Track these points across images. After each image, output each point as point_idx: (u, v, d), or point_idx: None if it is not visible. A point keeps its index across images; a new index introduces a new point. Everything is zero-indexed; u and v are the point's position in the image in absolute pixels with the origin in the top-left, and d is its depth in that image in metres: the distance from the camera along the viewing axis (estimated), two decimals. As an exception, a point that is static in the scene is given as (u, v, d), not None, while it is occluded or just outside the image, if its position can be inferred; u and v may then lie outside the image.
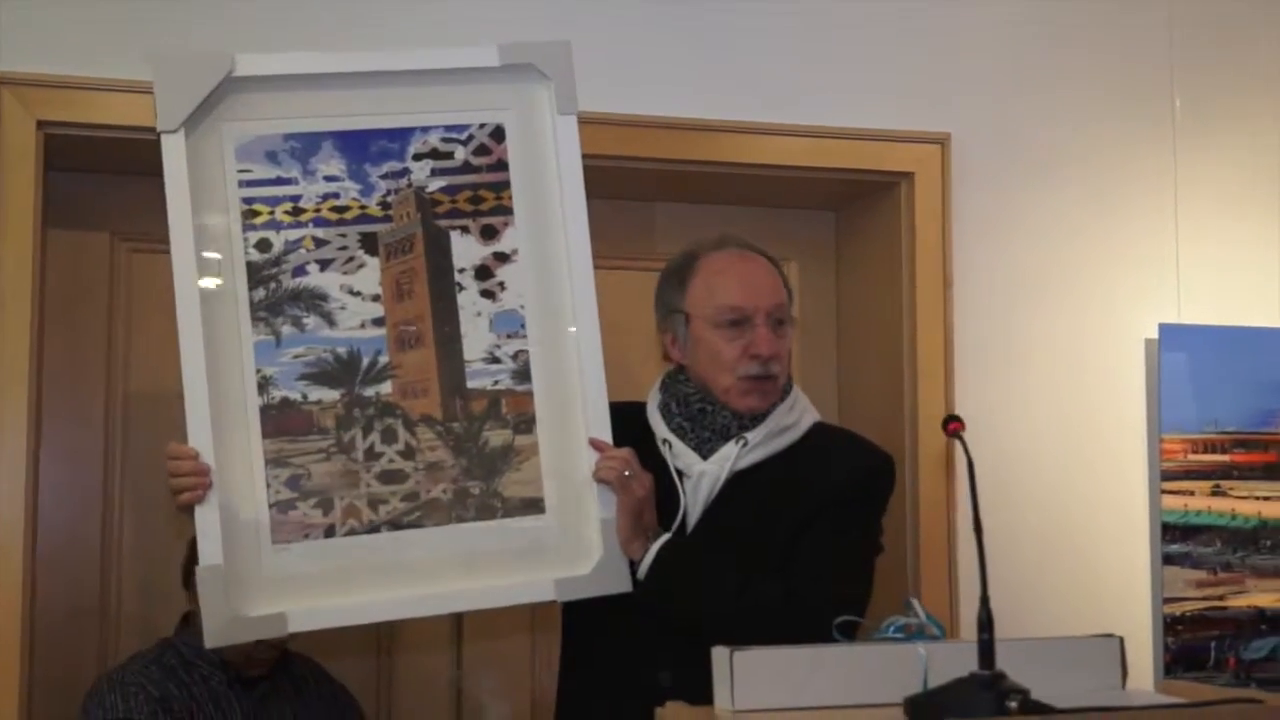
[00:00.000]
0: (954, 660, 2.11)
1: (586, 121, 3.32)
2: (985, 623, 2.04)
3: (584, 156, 3.15)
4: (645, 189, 3.72)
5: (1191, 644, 3.70)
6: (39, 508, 3.18)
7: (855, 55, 3.67)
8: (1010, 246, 3.74)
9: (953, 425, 2.31)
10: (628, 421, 2.76)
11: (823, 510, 2.68)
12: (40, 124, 3.16)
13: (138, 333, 3.50)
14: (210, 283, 2.59)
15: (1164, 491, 3.72)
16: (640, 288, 3.70)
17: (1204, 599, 3.73)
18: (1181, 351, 3.74)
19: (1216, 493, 3.76)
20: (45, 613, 3.24)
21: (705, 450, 2.73)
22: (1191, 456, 3.75)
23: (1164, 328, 3.74)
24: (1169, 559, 3.71)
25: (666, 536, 2.65)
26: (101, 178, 3.44)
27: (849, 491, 2.72)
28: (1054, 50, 3.81)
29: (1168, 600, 3.69)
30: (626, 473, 2.63)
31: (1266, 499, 3.80)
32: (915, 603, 2.36)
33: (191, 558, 3.07)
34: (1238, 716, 2.04)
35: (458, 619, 3.52)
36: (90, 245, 3.46)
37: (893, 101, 3.68)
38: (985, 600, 2.06)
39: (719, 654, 2.14)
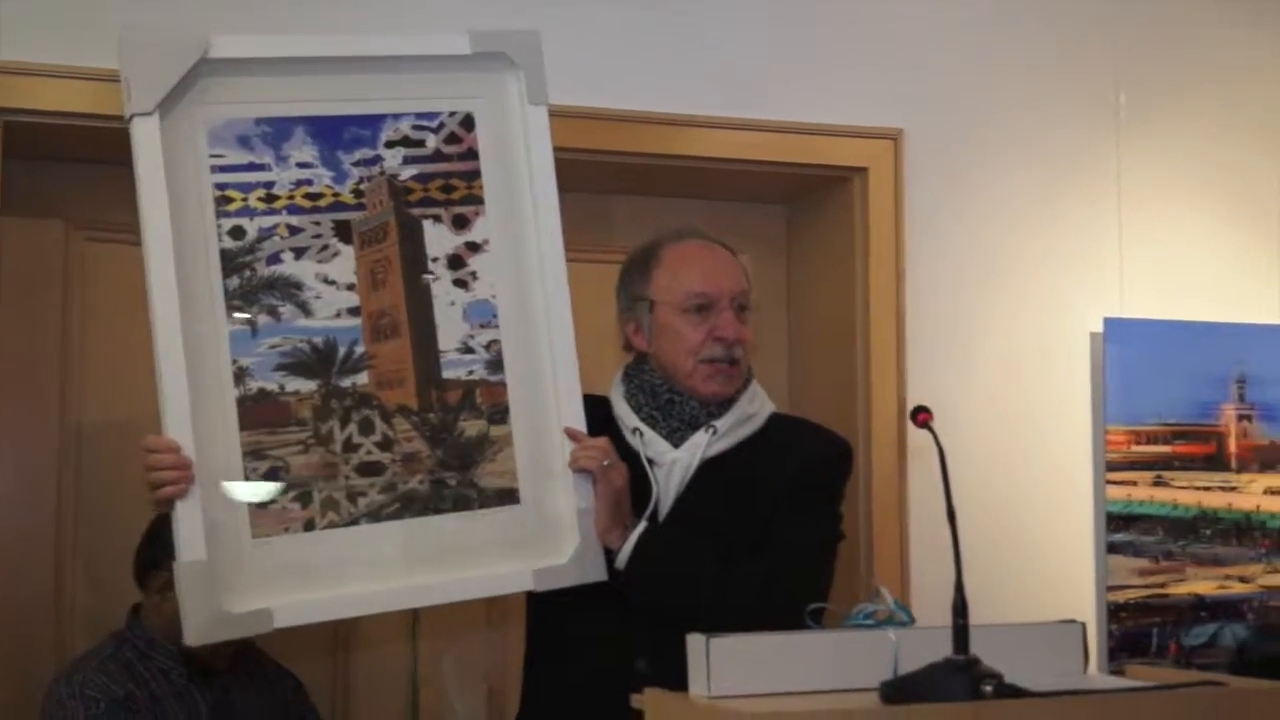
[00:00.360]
0: (923, 646, 2.15)
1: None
2: (960, 608, 2.08)
3: (542, 149, 3.20)
4: (602, 182, 3.74)
5: (1134, 631, 3.78)
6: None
7: (810, 51, 3.71)
8: (960, 241, 3.80)
9: (922, 416, 2.35)
10: (590, 414, 2.76)
11: (789, 496, 2.72)
12: (1, 111, 3.11)
13: (93, 321, 3.46)
14: (185, 272, 2.51)
15: (1108, 482, 3.79)
16: (597, 280, 3.72)
17: (1146, 587, 3.81)
18: (1125, 345, 3.82)
19: (1158, 483, 3.84)
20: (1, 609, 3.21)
21: (676, 439, 2.75)
22: (1135, 448, 3.83)
23: (1109, 321, 3.81)
24: (1113, 548, 3.79)
25: (645, 525, 2.66)
26: (56, 165, 3.40)
27: (813, 478, 2.76)
28: (1003, 47, 3.88)
29: (1111, 588, 3.77)
30: (606, 462, 2.65)
31: (1206, 489, 3.89)
32: (884, 590, 2.40)
33: (147, 551, 3.07)
34: (1204, 699, 2.10)
35: (414, 614, 3.51)
36: (45, 233, 3.42)
37: (846, 97, 3.73)
38: (960, 586, 2.10)
39: (695, 640, 2.16)
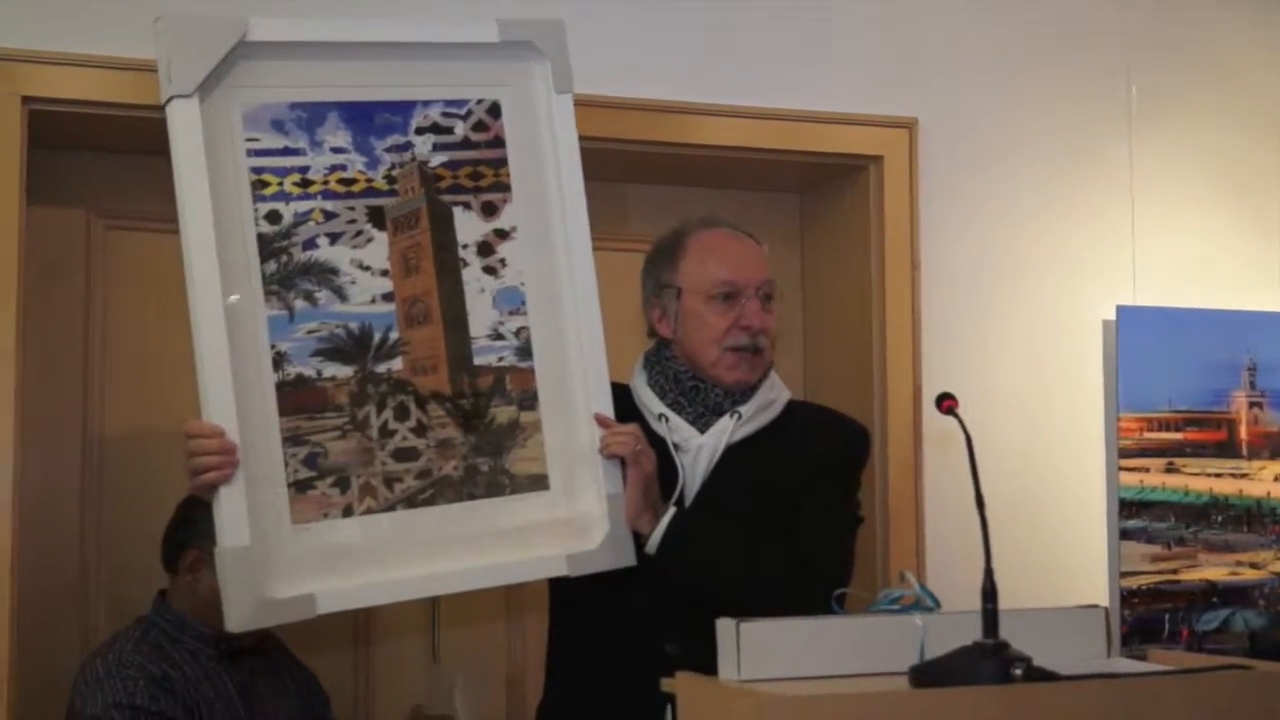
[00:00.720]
0: (950, 631, 2.18)
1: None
2: (989, 593, 2.10)
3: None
4: (616, 170, 3.75)
5: (1146, 616, 3.81)
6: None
7: (825, 40, 3.73)
8: (974, 229, 3.82)
9: (947, 403, 2.38)
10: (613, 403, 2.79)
11: (812, 481, 2.76)
12: (25, 99, 3.12)
13: (115, 309, 3.47)
14: (224, 255, 2.49)
15: (1121, 468, 3.82)
16: (613, 268, 3.73)
17: (1158, 573, 3.83)
18: (1138, 332, 3.84)
19: (1170, 470, 3.87)
20: (26, 592, 3.21)
21: (701, 425, 2.78)
22: (1147, 435, 3.85)
23: (1121, 309, 3.83)
24: (1125, 534, 3.81)
25: (674, 509, 2.69)
26: (78, 154, 3.41)
27: (834, 462, 2.81)
28: (1017, 38, 3.90)
29: (1124, 574, 3.80)
30: (638, 447, 2.67)
31: (1218, 475, 3.91)
32: (910, 575, 2.42)
33: (177, 533, 3.10)
34: (1230, 682, 2.12)
35: (434, 604, 3.52)
36: (67, 222, 3.43)
37: (861, 87, 3.74)
38: (989, 571, 2.12)
39: (725, 625, 2.19)
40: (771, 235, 3.87)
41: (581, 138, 3.12)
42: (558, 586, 2.82)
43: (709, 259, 2.80)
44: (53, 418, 3.40)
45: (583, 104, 3.34)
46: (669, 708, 2.51)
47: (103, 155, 3.41)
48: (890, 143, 3.74)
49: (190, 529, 3.01)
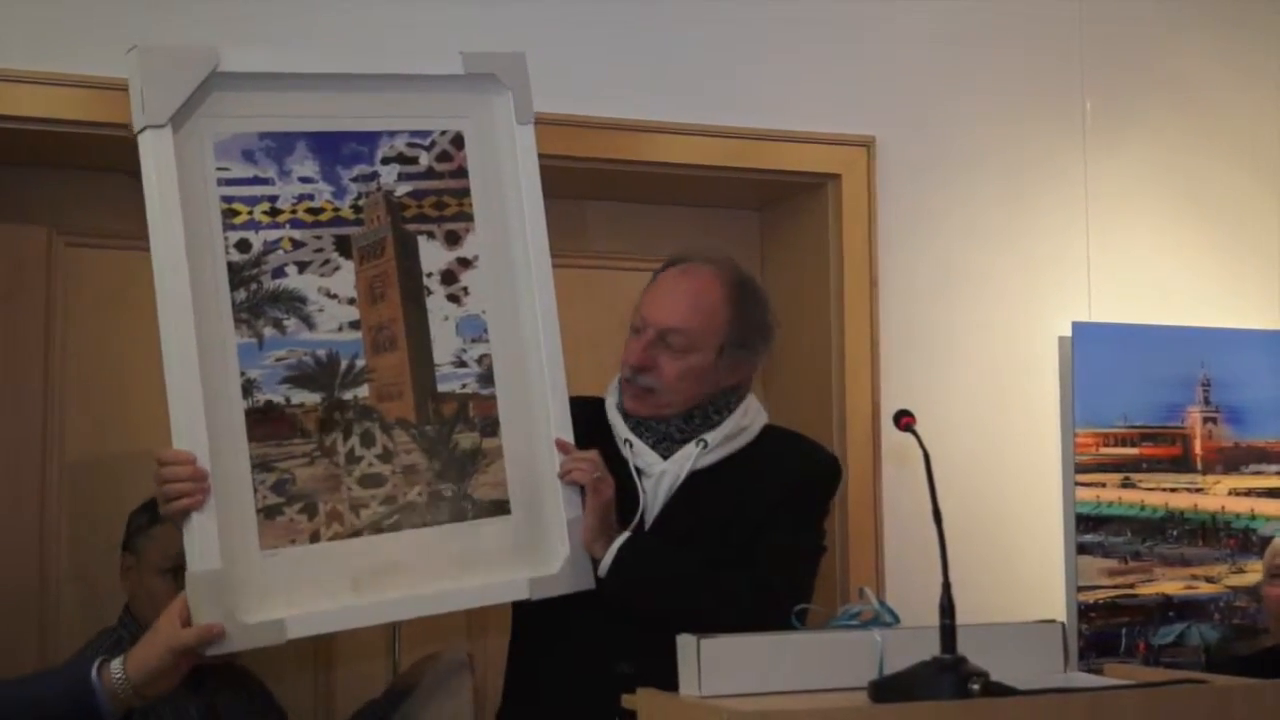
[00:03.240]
0: (908, 646, 2.20)
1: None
2: (947, 608, 2.13)
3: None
4: (576, 188, 3.77)
5: (1104, 630, 3.85)
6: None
7: (784, 59, 3.76)
8: (931, 246, 3.86)
9: (905, 420, 2.40)
10: (585, 417, 2.82)
11: (774, 509, 2.77)
12: (-18, 116, 3.13)
13: (75, 326, 3.47)
14: (195, 284, 2.52)
15: (1077, 483, 3.86)
16: (572, 284, 3.76)
17: (1115, 587, 3.88)
18: (1093, 348, 3.89)
19: (1126, 485, 3.91)
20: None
21: (663, 450, 2.80)
22: (1103, 450, 3.89)
23: (1077, 326, 3.88)
24: (1082, 548, 3.85)
25: (627, 534, 2.71)
26: (40, 170, 3.40)
27: (800, 492, 2.82)
28: (973, 55, 3.94)
29: (1081, 589, 3.84)
30: (596, 474, 2.69)
31: (1173, 490, 3.96)
32: (868, 591, 2.45)
33: (126, 535, 3.10)
34: (1186, 696, 2.15)
35: (394, 627, 3.53)
36: (28, 239, 3.42)
37: (820, 105, 3.78)
38: (947, 586, 2.15)
39: (685, 641, 2.21)
40: (731, 252, 3.84)
41: (542, 155, 3.14)
42: (519, 606, 2.85)
43: (647, 293, 2.83)
44: (13, 435, 3.40)
45: (544, 122, 3.34)
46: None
47: (65, 172, 3.40)
48: (849, 161, 3.78)
49: (127, 535, 3.05)
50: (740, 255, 3.87)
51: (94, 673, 2.39)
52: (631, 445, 2.80)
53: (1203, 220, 4.10)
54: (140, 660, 2.41)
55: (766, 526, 2.76)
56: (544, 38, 3.52)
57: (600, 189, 3.81)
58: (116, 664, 2.40)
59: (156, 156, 2.51)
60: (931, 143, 3.88)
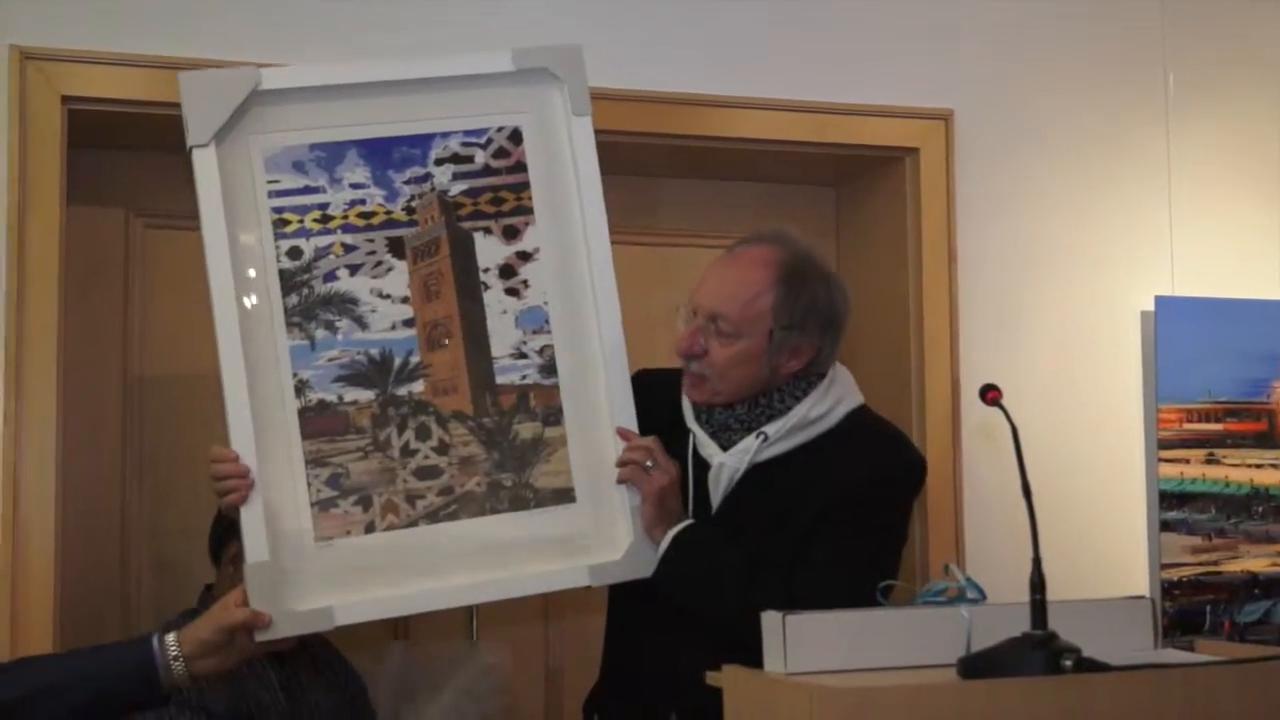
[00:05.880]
0: (995, 622, 2.16)
1: (592, 96, 3.38)
2: (1038, 584, 2.09)
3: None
4: (650, 164, 3.77)
5: (1188, 608, 3.80)
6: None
7: (860, 33, 3.74)
8: (1010, 221, 3.82)
9: (991, 394, 2.36)
10: (669, 394, 2.80)
11: (836, 509, 2.67)
12: (64, 99, 3.17)
13: (152, 308, 3.53)
14: (246, 292, 2.62)
15: (1161, 460, 3.81)
16: (645, 263, 3.77)
17: (1199, 564, 3.82)
18: (1176, 323, 3.83)
19: (1210, 461, 3.86)
20: (70, 589, 3.25)
21: (722, 441, 2.75)
22: (1187, 426, 3.84)
23: (1160, 300, 3.82)
24: (1166, 526, 3.80)
25: (684, 523, 2.69)
26: (116, 153, 3.46)
27: (865, 491, 2.68)
28: (1052, 26, 3.90)
29: (1165, 566, 3.79)
30: (649, 463, 2.68)
31: (1258, 466, 3.90)
32: (954, 568, 2.42)
33: (217, 529, 3.16)
34: (1281, 672, 2.11)
35: (471, 611, 3.56)
36: (106, 221, 3.49)
37: (897, 78, 3.75)
38: (1037, 561, 2.11)
39: (770, 618, 2.18)
40: (807, 228, 3.85)
41: (616, 131, 3.14)
42: (613, 587, 2.85)
43: (701, 277, 2.78)
44: (94, 416, 3.45)
45: (617, 98, 3.39)
46: (672, 715, 2.67)
47: (141, 154, 3.45)
48: (926, 135, 3.74)
49: (232, 524, 3.03)
50: (816, 232, 3.91)
51: (155, 642, 2.46)
52: (695, 435, 2.77)
53: (1287, 193, 4.03)
54: (193, 633, 2.48)
55: (824, 527, 2.66)
56: (617, 12, 3.52)
57: (673, 166, 3.80)
58: (172, 636, 2.47)
59: (204, 174, 2.62)
60: (1010, 116, 3.84)
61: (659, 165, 3.79)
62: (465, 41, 3.37)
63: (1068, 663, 2.02)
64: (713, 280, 2.74)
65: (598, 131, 2.88)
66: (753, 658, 2.19)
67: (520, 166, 2.80)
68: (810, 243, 2.83)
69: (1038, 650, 2.04)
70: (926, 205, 3.73)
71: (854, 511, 2.67)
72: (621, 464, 2.71)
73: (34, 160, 3.14)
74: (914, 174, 3.75)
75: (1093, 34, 3.91)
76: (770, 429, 2.71)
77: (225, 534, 3.13)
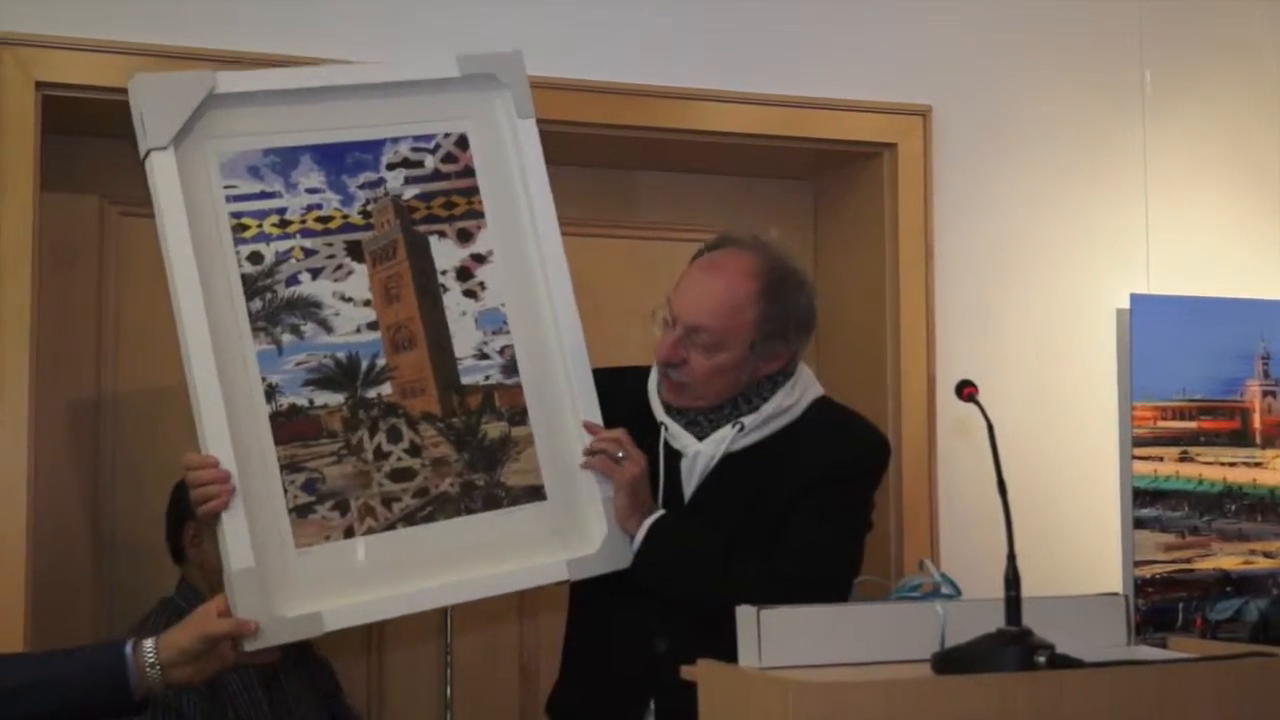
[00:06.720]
0: (970, 618, 2.16)
1: (566, 88, 3.36)
2: (1012, 580, 2.09)
3: (565, 122, 3.27)
4: (627, 158, 3.77)
5: (1160, 605, 3.81)
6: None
7: (838, 27, 3.73)
8: (987, 218, 3.82)
9: (967, 390, 2.37)
10: (633, 388, 2.83)
11: (810, 490, 2.72)
12: (39, 85, 3.15)
13: (127, 296, 3.50)
14: (210, 297, 2.60)
15: (1135, 457, 3.82)
16: (622, 255, 3.76)
17: (1172, 562, 3.83)
18: (1152, 321, 3.84)
19: (1184, 459, 3.87)
20: (40, 578, 3.22)
21: (697, 431, 2.78)
22: (1161, 424, 3.85)
23: (1135, 298, 3.83)
24: (1139, 523, 3.81)
25: (659, 513, 2.72)
26: (91, 140, 3.43)
27: (837, 472, 2.76)
28: (1030, 23, 3.90)
29: (1138, 563, 3.80)
30: (619, 454, 2.70)
31: (1231, 465, 3.91)
32: (929, 563, 2.43)
33: (172, 516, 3.20)
34: (1254, 669, 2.11)
35: (445, 611, 3.56)
36: (80, 208, 3.46)
37: (875, 73, 3.75)
38: (1012, 557, 2.11)
39: (745, 613, 2.19)
40: (784, 223, 3.86)
41: (592, 124, 3.13)
42: (573, 587, 2.86)
43: (680, 284, 2.79)
44: (66, 402, 3.42)
45: (593, 90, 3.37)
46: (651, 704, 2.68)
47: (116, 141, 3.38)
48: (904, 130, 3.74)
49: (183, 506, 3.07)
50: (793, 226, 3.91)
51: (129, 649, 2.40)
52: (667, 428, 2.79)
53: (1264, 192, 4.03)
54: (172, 640, 2.43)
55: (798, 509, 2.71)
56: (595, 6, 3.51)
57: (651, 158, 3.79)
58: (149, 643, 2.42)
59: (163, 178, 2.61)
60: (988, 112, 3.84)
61: (636, 158, 3.78)
62: (444, 36, 3.36)
63: (1041, 659, 2.02)
64: (693, 291, 2.75)
65: (576, 123, 2.89)
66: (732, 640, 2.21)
67: (469, 171, 2.83)
68: (786, 247, 2.85)
69: (1012, 646, 2.04)
70: (904, 201, 3.73)
71: (831, 489, 2.73)
72: (590, 453, 2.73)
73: (7, 146, 3.12)
74: (891, 169, 3.75)
75: (1071, 31, 3.91)
76: (747, 420, 2.76)
77: (179, 517, 3.14)
